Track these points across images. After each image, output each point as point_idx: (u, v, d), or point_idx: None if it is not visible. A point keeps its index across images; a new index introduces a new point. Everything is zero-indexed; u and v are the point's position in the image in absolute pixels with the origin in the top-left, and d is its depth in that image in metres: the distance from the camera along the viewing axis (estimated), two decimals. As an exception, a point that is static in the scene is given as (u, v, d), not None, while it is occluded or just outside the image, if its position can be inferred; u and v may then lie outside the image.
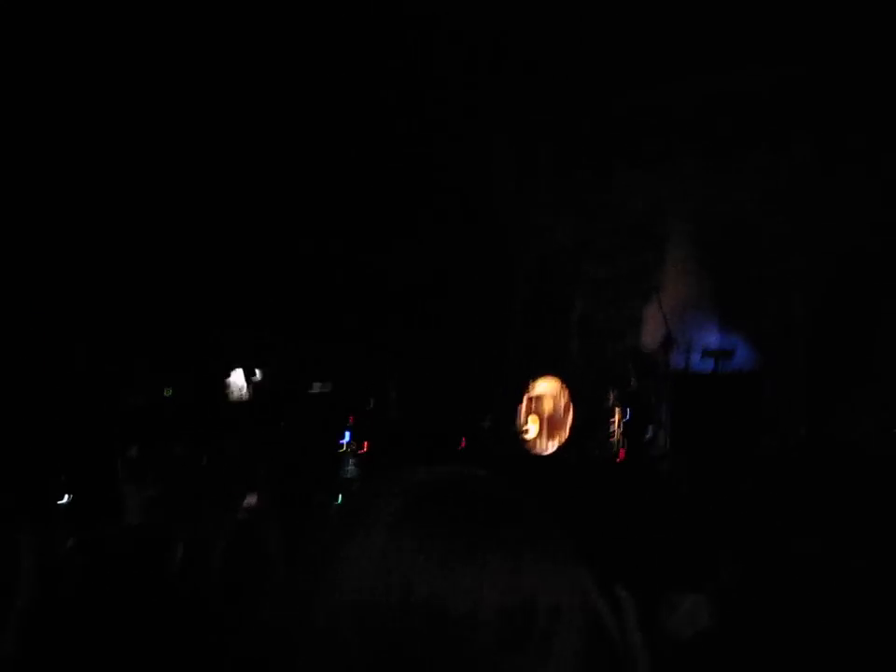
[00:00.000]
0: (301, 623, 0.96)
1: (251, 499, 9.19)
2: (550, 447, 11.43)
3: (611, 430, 11.10)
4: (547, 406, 11.55)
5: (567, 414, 11.59)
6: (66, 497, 8.75)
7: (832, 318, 11.17)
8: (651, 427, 11.13)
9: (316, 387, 12.08)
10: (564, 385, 11.76)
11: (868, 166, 10.92)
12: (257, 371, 11.98)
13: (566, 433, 11.47)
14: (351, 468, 10.61)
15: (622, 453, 10.79)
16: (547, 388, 11.76)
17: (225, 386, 11.90)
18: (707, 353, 11.19)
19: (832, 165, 11.26)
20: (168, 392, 11.13)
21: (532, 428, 11.58)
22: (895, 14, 9.87)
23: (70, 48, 10.21)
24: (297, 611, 0.97)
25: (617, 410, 11.11)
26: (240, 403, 11.67)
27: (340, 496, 9.76)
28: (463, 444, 10.82)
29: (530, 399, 11.70)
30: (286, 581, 1.02)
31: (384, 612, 0.91)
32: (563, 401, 11.67)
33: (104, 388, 11.00)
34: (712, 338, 11.91)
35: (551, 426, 11.50)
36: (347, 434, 11.12)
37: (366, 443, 10.96)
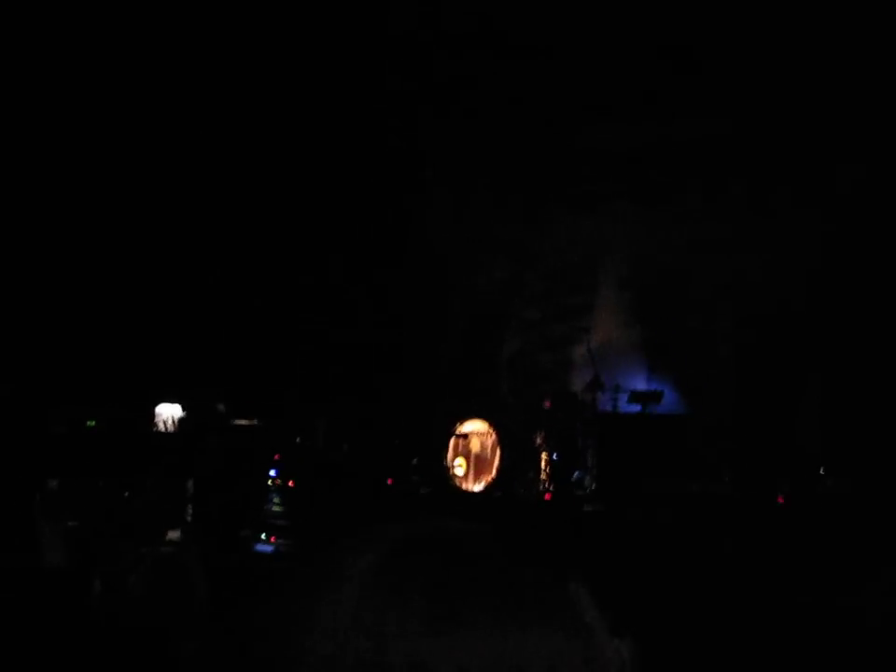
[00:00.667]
0: None
1: (174, 533, 9.07)
2: (477, 486, 11.41)
3: (538, 471, 11.12)
4: (474, 446, 11.54)
5: (495, 454, 11.58)
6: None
7: (759, 364, 11.34)
8: (577, 469, 11.17)
9: (242, 422, 11.95)
10: (492, 426, 11.76)
11: (799, 215, 11.15)
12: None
13: (493, 473, 11.46)
14: (276, 503, 10.51)
15: (548, 494, 10.80)
16: (475, 428, 11.75)
17: (151, 418, 11.73)
18: (634, 395, 11.27)
19: (763, 213, 11.48)
20: (91, 423, 10.93)
21: (459, 468, 11.56)
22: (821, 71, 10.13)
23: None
24: None
25: (544, 451, 11.14)
26: (165, 435, 11.51)
27: (264, 532, 9.69)
28: (390, 482, 10.77)
29: (458, 439, 11.68)
30: (244, 645, 0.88)
31: (355, 666, 0.80)
32: (490, 441, 11.66)
33: (25, 417, 10.79)
34: (640, 381, 12.02)
35: (478, 465, 11.48)
36: (273, 470, 11.02)
37: (291, 481, 10.86)
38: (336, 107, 11.94)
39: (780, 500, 9.72)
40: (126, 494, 10.03)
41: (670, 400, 11.41)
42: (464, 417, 11.85)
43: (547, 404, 11.57)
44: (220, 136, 12.04)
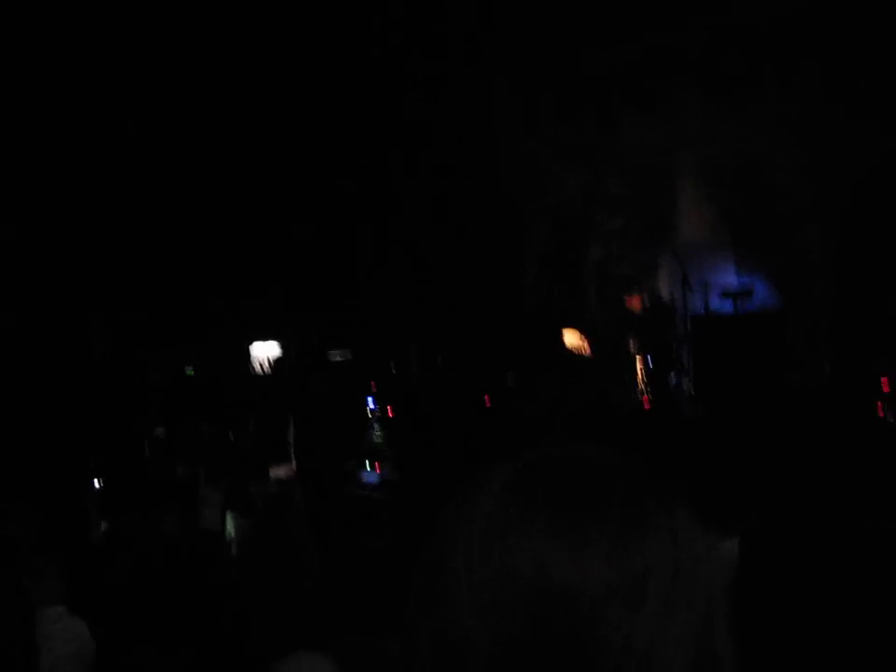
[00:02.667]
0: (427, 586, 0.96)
1: (279, 470, 9.25)
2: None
3: (634, 376, 11.06)
4: (569, 356, 11.52)
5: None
6: (97, 482, 8.82)
7: (851, 250, 11.08)
8: (673, 373, 11.08)
9: (336, 356, 12.08)
10: (584, 337, 11.71)
11: (876, 91, 10.80)
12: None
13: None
14: (377, 433, 10.63)
15: (646, 400, 10.75)
16: (567, 340, 11.71)
17: (247, 361, 11.92)
18: (725, 294, 11.10)
19: (840, 94, 11.13)
20: (189, 371, 11.16)
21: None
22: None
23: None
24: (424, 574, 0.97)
25: (639, 357, 11.06)
26: (262, 377, 11.70)
27: (367, 462, 9.83)
28: (488, 403, 10.81)
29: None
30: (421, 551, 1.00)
31: (489, 579, 0.90)
32: (584, 353, 11.63)
33: (127, 370, 11.05)
34: (730, 279, 11.83)
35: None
36: (371, 400, 11.13)
37: (390, 408, 10.97)
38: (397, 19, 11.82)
39: (885, 389, 9.51)
40: (230, 436, 10.25)
41: (763, 295, 11.23)
42: (555, 331, 11.82)
43: (638, 309, 11.44)
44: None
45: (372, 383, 11.49)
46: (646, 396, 10.80)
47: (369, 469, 9.63)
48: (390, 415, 10.86)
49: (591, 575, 0.89)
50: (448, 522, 0.97)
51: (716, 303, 11.15)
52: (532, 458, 1.00)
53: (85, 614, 4.34)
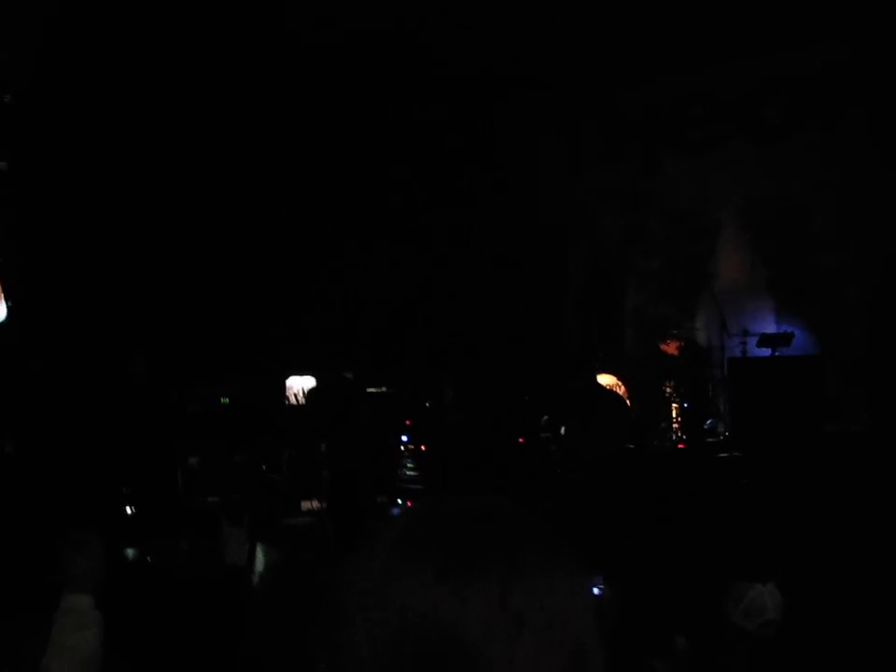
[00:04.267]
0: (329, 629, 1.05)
1: (310, 503, 9.26)
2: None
3: (670, 421, 11.00)
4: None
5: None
6: (130, 508, 8.87)
7: (890, 297, 10.99)
8: (709, 416, 11.02)
9: (372, 390, 12.11)
10: (620, 378, 11.68)
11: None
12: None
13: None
14: (410, 468, 10.63)
15: (681, 443, 10.68)
16: (604, 382, 11.68)
17: (282, 392, 11.97)
18: (763, 339, 11.03)
19: (884, 142, 11.09)
20: (225, 400, 11.21)
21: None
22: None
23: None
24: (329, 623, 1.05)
25: (674, 401, 11.01)
26: (298, 408, 11.73)
27: (399, 497, 9.82)
28: (522, 441, 10.78)
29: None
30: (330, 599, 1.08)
31: (383, 617, 0.99)
32: (620, 394, 11.59)
33: (163, 399, 11.12)
34: (769, 324, 11.77)
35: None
36: (405, 435, 11.15)
37: (423, 445, 10.98)
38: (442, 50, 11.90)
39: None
40: (263, 467, 10.28)
41: (800, 342, 11.14)
42: (593, 373, 11.79)
43: (675, 353, 11.40)
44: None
45: (407, 420, 11.52)
46: (681, 439, 10.74)
47: (400, 502, 9.63)
48: (423, 450, 10.87)
49: (473, 616, 0.97)
50: (351, 562, 1.07)
51: (754, 348, 11.08)
52: (429, 507, 1.12)
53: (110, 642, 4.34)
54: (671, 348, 11.56)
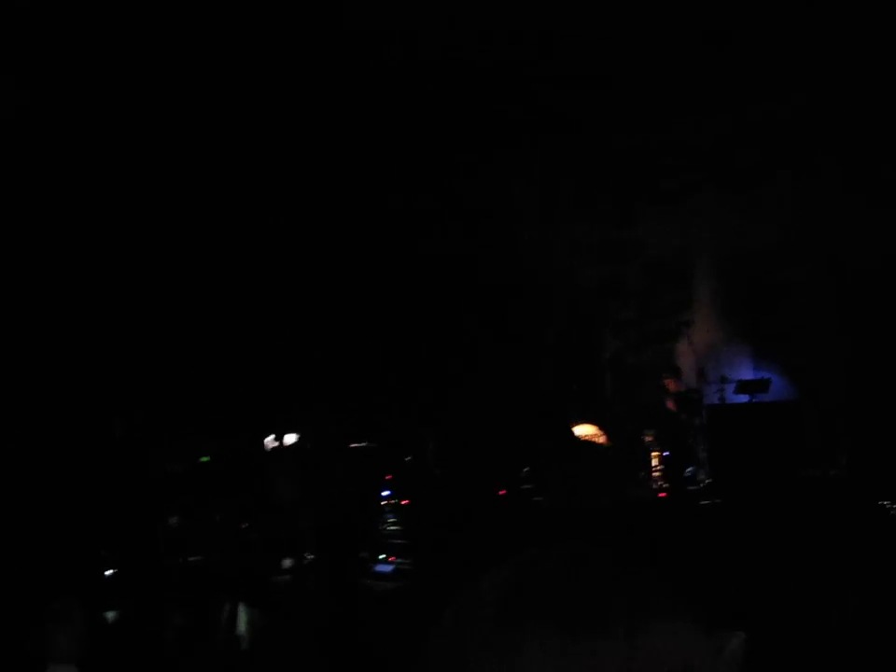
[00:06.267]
0: None
1: (289, 561, 9.20)
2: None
3: (650, 470, 11.01)
4: (586, 450, 11.47)
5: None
6: (110, 569, 8.79)
7: (866, 342, 11.07)
8: (689, 464, 11.03)
9: (355, 445, 12.09)
10: (601, 428, 11.71)
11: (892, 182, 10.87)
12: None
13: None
14: (392, 522, 10.58)
15: (662, 492, 10.68)
16: (585, 432, 11.69)
17: (262, 450, 11.93)
18: (741, 385, 11.08)
19: (856, 186, 11.22)
20: (205, 458, 11.16)
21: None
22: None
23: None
24: None
25: (654, 449, 11.02)
26: (277, 465, 11.68)
27: (382, 552, 9.77)
28: (503, 493, 10.76)
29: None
30: None
31: None
32: (600, 446, 11.60)
33: (142, 458, 11.06)
34: (746, 371, 11.82)
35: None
36: (387, 490, 11.12)
37: (405, 499, 10.94)
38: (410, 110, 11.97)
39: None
40: (244, 526, 10.22)
41: (778, 388, 11.20)
42: (573, 423, 11.81)
43: (653, 400, 11.44)
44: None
45: (389, 474, 11.49)
46: (663, 487, 10.75)
47: (382, 557, 9.57)
48: (404, 504, 10.83)
49: None
50: (447, 625, 0.95)
51: (732, 395, 11.12)
52: (531, 559, 0.98)
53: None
54: (650, 396, 11.64)
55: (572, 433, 11.59)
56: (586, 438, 11.65)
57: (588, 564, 0.96)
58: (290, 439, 12.04)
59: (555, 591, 0.92)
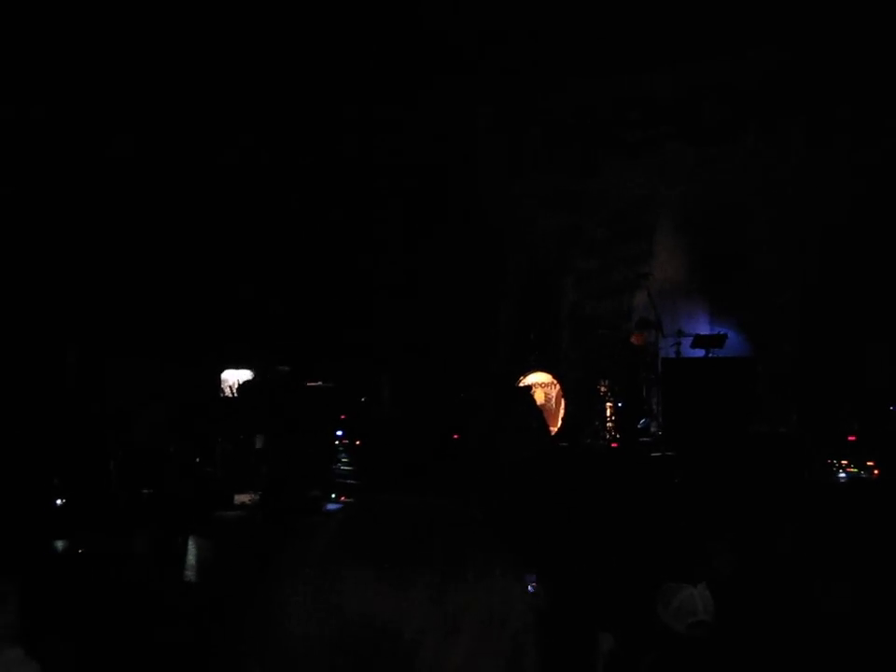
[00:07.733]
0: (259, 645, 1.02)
1: (243, 497, 9.22)
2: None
3: (604, 420, 11.08)
4: (539, 397, 11.54)
5: (560, 405, 11.60)
6: (60, 499, 8.76)
7: (822, 302, 11.17)
8: (643, 416, 11.13)
9: (310, 384, 12.08)
10: (555, 377, 11.77)
11: (858, 147, 10.93)
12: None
13: (558, 424, 11.48)
14: (344, 462, 10.62)
15: (614, 442, 10.77)
16: (538, 379, 11.76)
17: (218, 384, 11.90)
18: (697, 340, 11.16)
19: (821, 148, 11.27)
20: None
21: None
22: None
23: (73, 56, 10.21)
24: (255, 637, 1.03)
25: (608, 400, 11.09)
26: (232, 400, 11.66)
27: (333, 492, 9.81)
28: (456, 437, 10.80)
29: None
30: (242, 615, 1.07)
31: (319, 612, 0.98)
32: (554, 392, 11.67)
33: (96, 390, 11.00)
34: (703, 326, 11.90)
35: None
36: (340, 430, 11.14)
37: (358, 440, 10.97)
38: (384, 60, 11.92)
39: (852, 439, 9.59)
40: (196, 460, 10.21)
41: (734, 344, 11.29)
42: (526, 369, 11.86)
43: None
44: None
45: (343, 414, 11.50)
46: (615, 437, 10.83)
47: (333, 497, 9.61)
48: (357, 445, 10.87)
49: (412, 613, 0.97)
50: (285, 559, 1.05)
51: (688, 349, 11.20)
52: (367, 504, 1.10)
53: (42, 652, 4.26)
54: (607, 347, 11.69)
55: (510, 384, 11.64)
56: (538, 385, 11.71)
57: (426, 517, 1.06)
58: (244, 375, 12.03)
59: (377, 536, 1.02)
